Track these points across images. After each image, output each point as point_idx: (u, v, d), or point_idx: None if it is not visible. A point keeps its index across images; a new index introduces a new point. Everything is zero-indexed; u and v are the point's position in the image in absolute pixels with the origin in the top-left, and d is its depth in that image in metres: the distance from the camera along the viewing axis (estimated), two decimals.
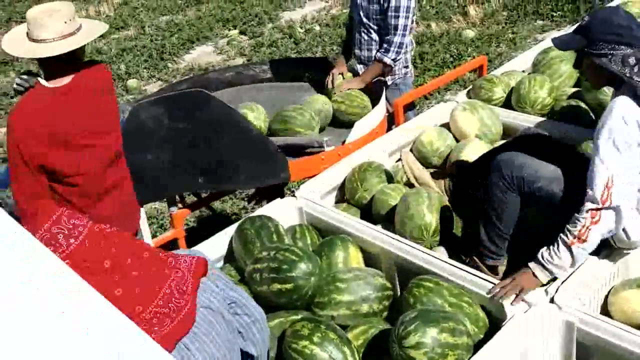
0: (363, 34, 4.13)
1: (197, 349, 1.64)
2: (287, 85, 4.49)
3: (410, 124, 3.74)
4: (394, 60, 3.97)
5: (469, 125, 3.51)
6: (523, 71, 4.15)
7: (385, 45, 3.94)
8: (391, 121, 4.08)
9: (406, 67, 4.22)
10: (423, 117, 3.82)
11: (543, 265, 2.41)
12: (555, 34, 4.55)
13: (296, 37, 8.42)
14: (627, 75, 2.35)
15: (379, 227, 2.93)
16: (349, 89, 3.98)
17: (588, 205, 2.36)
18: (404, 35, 3.90)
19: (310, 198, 3.11)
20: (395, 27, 3.87)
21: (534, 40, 7.23)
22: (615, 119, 2.35)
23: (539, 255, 2.43)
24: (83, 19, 2.78)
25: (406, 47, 4.07)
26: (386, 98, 4.11)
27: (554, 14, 7.90)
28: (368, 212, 3.24)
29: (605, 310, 2.63)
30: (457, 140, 3.56)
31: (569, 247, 2.38)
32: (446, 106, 3.80)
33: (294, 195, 3.16)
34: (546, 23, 7.76)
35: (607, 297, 2.64)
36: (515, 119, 3.58)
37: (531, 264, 2.43)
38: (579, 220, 2.37)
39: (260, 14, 9.49)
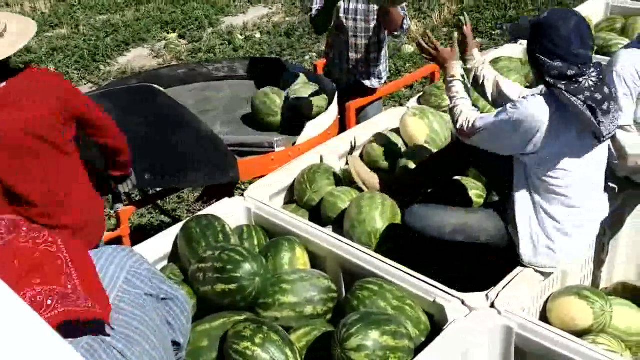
0: (351, 54, 4.19)
1: (133, 354, 1.60)
2: (243, 83, 4.46)
3: (361, 127, 3.76)
4: (406, 28, 4.08)
5: (418, 131, 3.55)
6: None
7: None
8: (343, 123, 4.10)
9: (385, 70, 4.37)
10: (374, 121, 3.84)
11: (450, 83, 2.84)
12: (493, 51, 4.64)
13: (235, 44, 8.28)
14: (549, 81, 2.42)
15: (326, 229, 2.94)
16: None
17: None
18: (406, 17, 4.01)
19: (259, 199, 3.09)
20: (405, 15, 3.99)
21: None
22: (522, 107, 2.45)
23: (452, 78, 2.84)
24: (14, 20, 2.61)
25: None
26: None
27: (493, 33, 7.99)
28: (317, 214, 3.24)
29: (544, 317, 2.69)
30: (407, 145, 3.59)
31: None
32: (397, 111, 3.83)
33: (242, 195, 3.14)
34: (485, 41, 7.84)
35: (546, 303, 2.71)
36: None
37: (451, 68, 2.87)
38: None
39: (201, 18, 9.30)
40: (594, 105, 2.34)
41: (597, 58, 4.36)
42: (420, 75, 4.99)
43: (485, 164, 2.91)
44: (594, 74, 2.39)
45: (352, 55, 4.18)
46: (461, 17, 3.03)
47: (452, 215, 2.70)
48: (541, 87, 2.57)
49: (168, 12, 9.67)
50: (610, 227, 3.07)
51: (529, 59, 2.57)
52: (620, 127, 2.87)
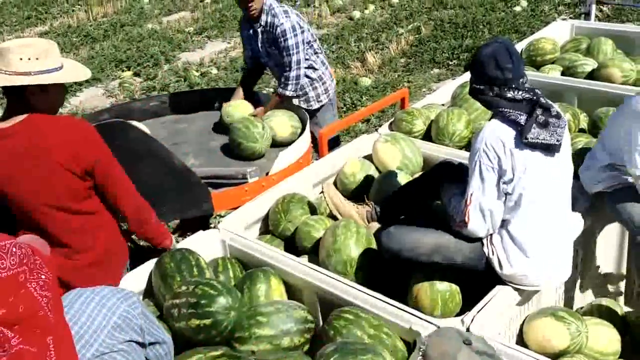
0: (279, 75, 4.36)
1: None
2: (215, 113, 4.47)
3: (333, 155, 3.78)
4: (294, 91, 4.24)
5: (391, 157, 3.57)
6: (443, 104, 4.27)
7: (283, 80, 4.21)
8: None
9: (327, 94, 4.48)
10: (346, 148, 3.86)
11: None
12: (450, 82, 4.70)
13: (191, 80, 8.16)
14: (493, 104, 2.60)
15: (301, 259, 2.93)
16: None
17: (457, 216, 2.65)
18: (299, 69, 4.18)
19: (233, 230, 3.09)
20: (290, 64, 4.16)
21: (428, 90, 7.23)
22: (478, 143, 2.56)
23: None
24: (69, 62, 2.70)
25: (321, 79, 4.41)
26: (316, 122, 4.29)
27: (450, 63, 8.03)
28: (292, 244, 3.24)
29: (521, 339, 2.70)
30: (379, 172, 3.61)
31: None
32: (369, 138, 3.86)
33: (216, 228, 3.13)
34: (442, 71, 7.87)
35: (522, 326, 2.72)
36: (435, 151, 3.66)
37: None
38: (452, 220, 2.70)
39: (157, 55, 9.15)
40: (522, 115, 2.53)
41: (562, 79, 4.48)
42: (377, 107, 4.98)
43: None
44: (521, 93, 2.56)
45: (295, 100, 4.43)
46: None
47: (428, 236, 2.71)
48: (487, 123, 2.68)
49: (123, 50, 9.50)
50: (583, 246, 3.11)
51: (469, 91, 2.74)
52: None
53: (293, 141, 3.93)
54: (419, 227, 2.78)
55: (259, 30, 4.25)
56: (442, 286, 2.69)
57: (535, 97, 2.58)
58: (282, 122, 4.01)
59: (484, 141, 2.54)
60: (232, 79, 8.04)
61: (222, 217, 3.57)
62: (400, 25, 9.68)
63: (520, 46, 5.07)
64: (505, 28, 8.90)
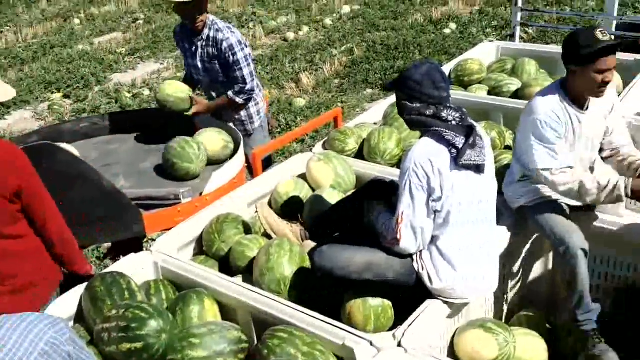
0: (213, 94, 4.38)
1: None
2: (148, 134, 4.42)
3: (267, 175, 3.79)
4: (245, 101, 4.26)
5: (324, 176, 3.61)
6: (375, 123, 4.35)
7: (237, 89, 4.19)
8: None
9: (259, 116, 4.47)
10: (281, 167, 3.88)
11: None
12: (383, 102, 4.81)
13: (122, 102, 8.04)
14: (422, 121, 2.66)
15: (236, 279, 2.92)
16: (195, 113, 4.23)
17: (388, 234, 2.69)
18: (252, 81, 4.20)
19: (166, 252, 3.05)
20: (243, 78, 4.16)
21: (361, 110, 7.32)
22: (408, 162, 2.62)
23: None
24: None
25: (254, 100, 4.39)
26: (247, 143, 4.28)
27: (382, 83, 8.12)
28: (227, 264, 3.22)
29: (452, 351, 2.76)
30: (313, 190, 3.64)
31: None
32: (303, 157, 3.89)
33: (149, 250, 3.09)
34: (375, 92, 8.02)
35: (453, 338, 2.78)
36: (367, 169, 3.72)
37: None
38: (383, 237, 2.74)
39: (88, 76, 9.00)
40: (458, 136, 2.59)
41: (489, 99, 4.63)
42: (311, 127, 5.01)
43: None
44: (453, 113, 2.64)
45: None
46: None
47: (360, 254, 2.74)
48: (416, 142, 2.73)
49: (53, 72, 9.31)
50: (509, 260, 3.20)
51: (398, 111, 2.77)
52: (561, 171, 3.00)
53: (225, 156, 3.92)
54: (351, 245, 2.81)
55: (199, 44, 4.19)
56: (375, 302, 2.72)
57: (464, 117, 2.65)
58: (212, 137, 3.98)
59: (414, 161, 2.59)
60: None
61: (154, 240, 3.52)
62: (334, 46, 9.83)
63: (448, 67, 5.22)
64: (435, 50, 9.13)
